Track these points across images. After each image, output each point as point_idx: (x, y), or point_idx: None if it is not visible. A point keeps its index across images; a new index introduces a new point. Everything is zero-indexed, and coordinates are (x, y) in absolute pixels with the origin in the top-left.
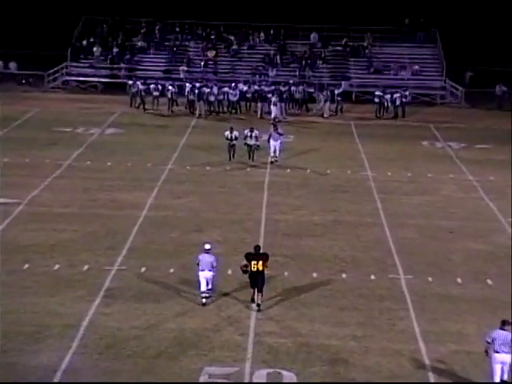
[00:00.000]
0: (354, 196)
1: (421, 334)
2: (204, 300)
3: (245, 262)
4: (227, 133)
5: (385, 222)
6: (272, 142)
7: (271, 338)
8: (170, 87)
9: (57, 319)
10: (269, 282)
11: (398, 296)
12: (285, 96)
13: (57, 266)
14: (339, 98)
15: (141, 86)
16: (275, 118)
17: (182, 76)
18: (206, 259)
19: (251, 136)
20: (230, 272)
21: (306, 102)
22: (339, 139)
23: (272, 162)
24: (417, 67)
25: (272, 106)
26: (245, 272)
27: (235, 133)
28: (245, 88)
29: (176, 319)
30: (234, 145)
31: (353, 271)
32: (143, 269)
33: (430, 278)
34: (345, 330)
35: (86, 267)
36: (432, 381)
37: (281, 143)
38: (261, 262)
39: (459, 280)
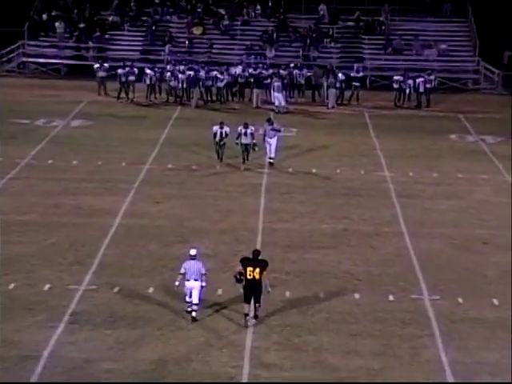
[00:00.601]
0: (369, 200)
1: (450, 365)
2: (190, 310)
3: (239, 269)
4: (216, 128)
5: (406, 232)
6: (267, 140)
7: (270, 371)
8: (149, 71)
9: (12, 349)
10: (267, 302)
11: (422, 320)
12: (285, 81)
13: (12, 285)
14: (357, 84)
15: (120, 71)
16: (278, 107)
17: (166, 58)
18: (192, 267)
19: (246, 133)
20: (220, 292)
21: (317, 89)
22: (351, 133)
23: (270, 164)
24: (444, 46)
25: (275, 94)
26: (238, 281)
27: (226, 129)
28: (237, 72)
29: (155, 348)
30: (224, 144)
31: (367, 290)
32: (116, 288)
33: (460, 299)
34: (358, 360)
35: (47, 286)
36: None
37: (277, 141)
38: (258, 270)
39: (495, 301)
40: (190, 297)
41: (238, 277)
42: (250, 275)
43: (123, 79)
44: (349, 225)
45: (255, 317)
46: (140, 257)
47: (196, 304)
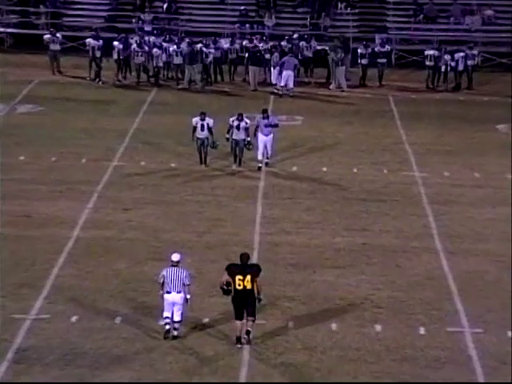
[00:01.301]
0: (394, 208)
1: None
2: (168, 327)
3: (226, 278)
4: (196, 120)
5: (440, 248)
6: (260, 137)
7: None
8: (117, 43)
9: None
10: (266, 335)
11: (462, 359)
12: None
13: None
14: (383, 61)
15: (93, 42)
16: (282, 89)
17: (146, 28)
18: (174, 276)
19: (239, 127)
20: (206, 320)
21: (334, 66)
22: (372, 122)
23: (260, 168)
24: (490, 12)
25: (285, 72)
26: (226, 293)
27: (209, 121)
28: (227, 45)
29: None
30: (208, 144)
31: (392, 321)
32: (74, 318)
33: (510, 333)
34: None
35: None
36: None
37: (273, 138)
38: (249, 277)
39: None
40: (171, 311)
41: (226, 287)
42: (239, 285)
43: (97, 54)
44: (369, 238)
45: (247, 333)
46: (105, 278)
47: (178, 322)
